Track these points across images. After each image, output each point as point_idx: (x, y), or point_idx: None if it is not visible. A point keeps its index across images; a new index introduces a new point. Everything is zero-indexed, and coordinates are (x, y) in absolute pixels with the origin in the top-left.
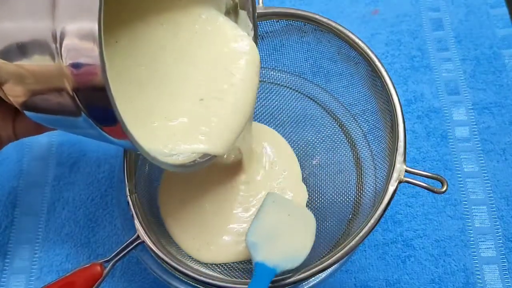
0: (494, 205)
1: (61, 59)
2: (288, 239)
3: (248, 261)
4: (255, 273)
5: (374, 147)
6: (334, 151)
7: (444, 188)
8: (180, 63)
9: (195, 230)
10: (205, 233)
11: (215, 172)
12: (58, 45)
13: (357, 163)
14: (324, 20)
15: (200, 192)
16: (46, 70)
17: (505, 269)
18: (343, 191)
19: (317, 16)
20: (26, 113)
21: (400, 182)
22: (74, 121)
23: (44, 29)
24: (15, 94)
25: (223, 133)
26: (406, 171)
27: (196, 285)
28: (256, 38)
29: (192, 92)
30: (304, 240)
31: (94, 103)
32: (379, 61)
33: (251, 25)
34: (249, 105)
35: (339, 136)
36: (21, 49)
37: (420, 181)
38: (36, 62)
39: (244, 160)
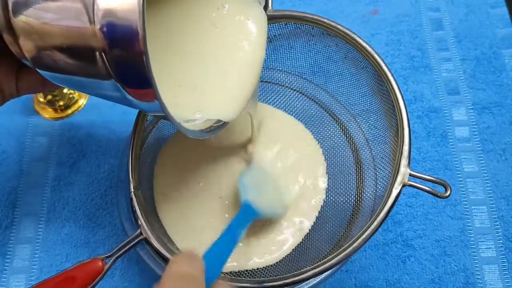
0: (494, 205)
1: (95, 20)
2: (270, 197)
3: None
4: (241, 208)
5: (375, 149)
6: (335, 152)
7: (448, 193)
8: (194, 31)
9: (192, 234)
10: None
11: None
12: (93, 5)
13: (357, 164)
14: (333, 24)
15: (197, 188)
16: (77, 30)
17: (505, 269)
18: (343, 192)
19: (325, 20)
20: (42, 71)
21: (404, 185)
22: (99, 83)
23: None
24: (32, 50)
25: (232, 99)
26: (410, 174)
27: None
28: (267, 7)
29: (204, 59)
30: (280, 203)
31: (130, 69)
32: (387, 66)
33: None
34: (256, 73)
35: (340, 137)
36: (49, 5)
37: (423, 185)
38: (66, 22)
39: (253, 133)
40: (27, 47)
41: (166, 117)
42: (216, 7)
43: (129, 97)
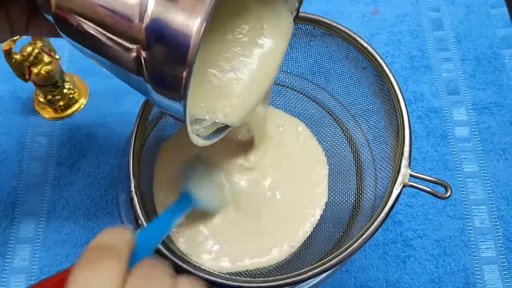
0: (494, 205)
1: (145, 14)
2: (210, 191)
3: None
4: (181, 197)
5: (375, 149)
6: (335, 152)
7: (448, 194)
8: (229, 43)
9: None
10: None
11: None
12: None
13: (357, 164)
14: (334, 24)
15: None
16: (122, 21)
17: (505, 269)
18: (343, 192)
19: (327, 20)
20: (62, 33)
21: (404, 186)
22: (123, 71)
23: None
24: (58, 7)
25: (241, 102)
26: (410, 175)
27: None
28: (297, 16)
29: (217, 59)
30: (218, 198)
31: (168, 77)
32: (388, 66)
33: (297, 5)
34: (269, 79)
35: (340, 137)
36: None
37: (424, 186)
38: (114, 4)
39: (256, 140)
40: (61, 12)
41: (181, 120)
42: (258, 25)
43: (154, 95)
